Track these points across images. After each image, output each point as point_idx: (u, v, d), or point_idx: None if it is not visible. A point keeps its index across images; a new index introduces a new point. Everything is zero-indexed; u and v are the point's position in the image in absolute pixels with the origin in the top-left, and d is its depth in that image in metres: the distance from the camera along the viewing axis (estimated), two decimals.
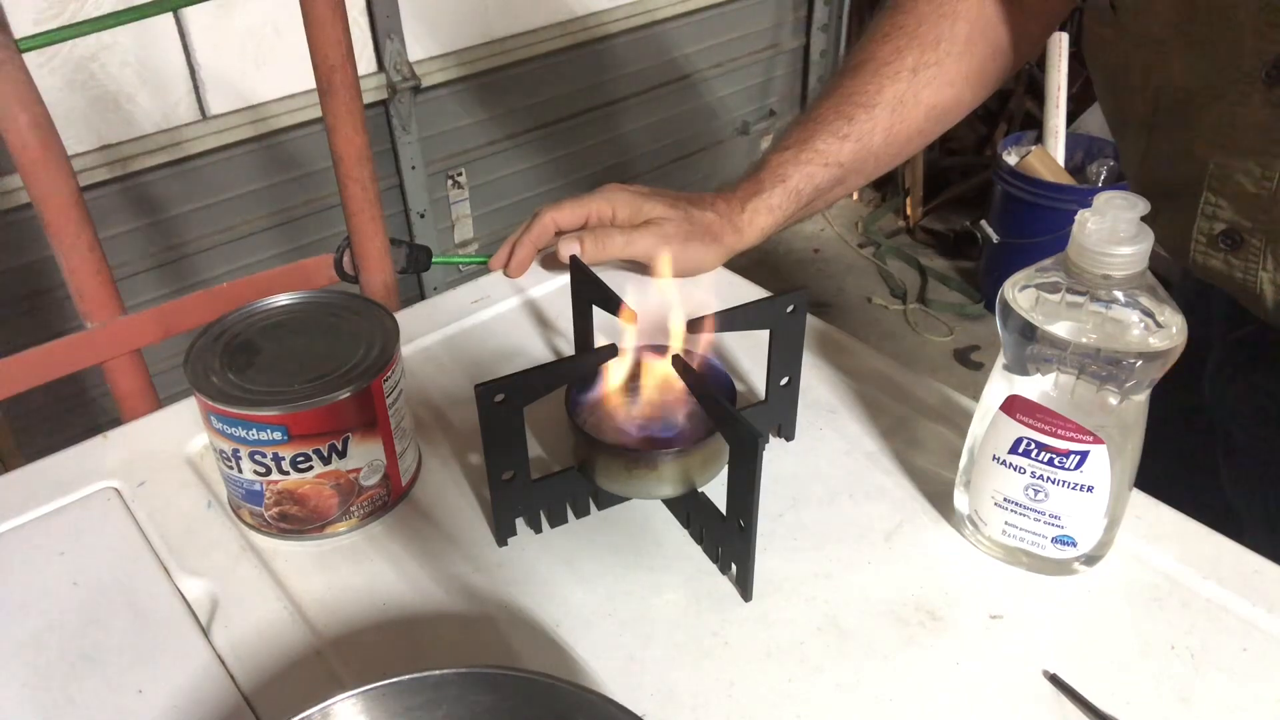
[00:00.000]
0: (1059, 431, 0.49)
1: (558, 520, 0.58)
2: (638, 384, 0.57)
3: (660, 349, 0.56)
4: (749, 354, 0.70)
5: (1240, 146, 0.57)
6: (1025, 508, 0.52)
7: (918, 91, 0.74)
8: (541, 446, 0.63)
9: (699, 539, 0.56)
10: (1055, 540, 0.53)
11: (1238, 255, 0.59)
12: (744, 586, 0.53)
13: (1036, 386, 0.50)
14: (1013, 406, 0.50)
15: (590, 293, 0.63)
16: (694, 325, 0.56)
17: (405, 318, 0.74)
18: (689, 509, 0.57)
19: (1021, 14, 0.74)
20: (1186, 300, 0.74)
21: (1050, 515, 0.52)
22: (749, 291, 0.76)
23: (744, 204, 0.75)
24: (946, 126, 0.78)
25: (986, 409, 0.52)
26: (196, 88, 1.66)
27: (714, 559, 0.55)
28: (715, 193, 0.76)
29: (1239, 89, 0.56)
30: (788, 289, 0.58)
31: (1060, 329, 0.47)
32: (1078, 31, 2.30)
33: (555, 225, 0.74)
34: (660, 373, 0.56)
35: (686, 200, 0.75)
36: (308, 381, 0.54)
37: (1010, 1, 0.74)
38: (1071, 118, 2.35)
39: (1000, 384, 0.52)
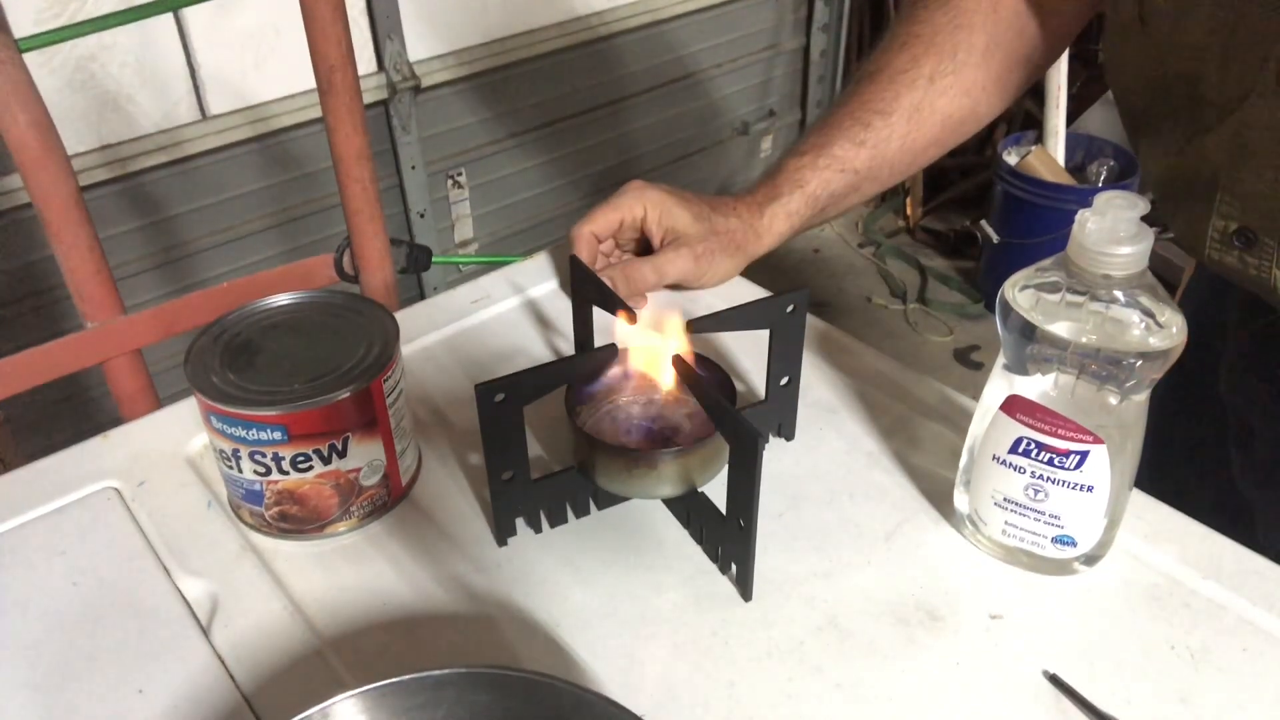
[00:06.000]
0: (1059, 431, 0.49)
1: (558, 520, 0.58)
2: (637, 384, 0.57)
3: (659, 348, 0.56)
4: (749, 354, 0.70)
5: (1254, 148, 0.57)
6: (1025, 508, 0.52)
7: (934, 100, 0.74)
8: (541, 446, 0.63)
9: (699, 539, 0.56)
10: (1055, 540, 0.53)
11: (1251, 253, 0.59)
12: (744, 586, 0.53)
13: (1036, 386, 0.50)
14: (1013, 406, 0.50)
15: (590, 293, 0.63)
16: (694, 325, 0.56)
17: (405, 318, 0.74)
18: (689, 509, 0.57)
19: (1039, 26, 0.74)
20: (1202, 292, 0.74)
21: (1050, 515, 0.52)
22: (749, 291, 0.76)
23: (763, 209, 0.74)
24: (963, 137, 0.78)
25: (986, 409, 0.52)
26: (196, 88, 1.66)
27: (714, 559, 0.55)
28: (735, 196, 0.75)
29: (1255, 91, 0.56)
30: (788, 289, 0.58)
31: (1060, 329, 0.47)
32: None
33: (595, 238, 0.73)
34: (660, 372, 0.56)
35: (710, 207, 0.74)
36: (308, 381, 0.54)
37: (1028, 13, 0.74)
38: (1071, 118, 2.35)
39: (1000, 384, 0.51)
